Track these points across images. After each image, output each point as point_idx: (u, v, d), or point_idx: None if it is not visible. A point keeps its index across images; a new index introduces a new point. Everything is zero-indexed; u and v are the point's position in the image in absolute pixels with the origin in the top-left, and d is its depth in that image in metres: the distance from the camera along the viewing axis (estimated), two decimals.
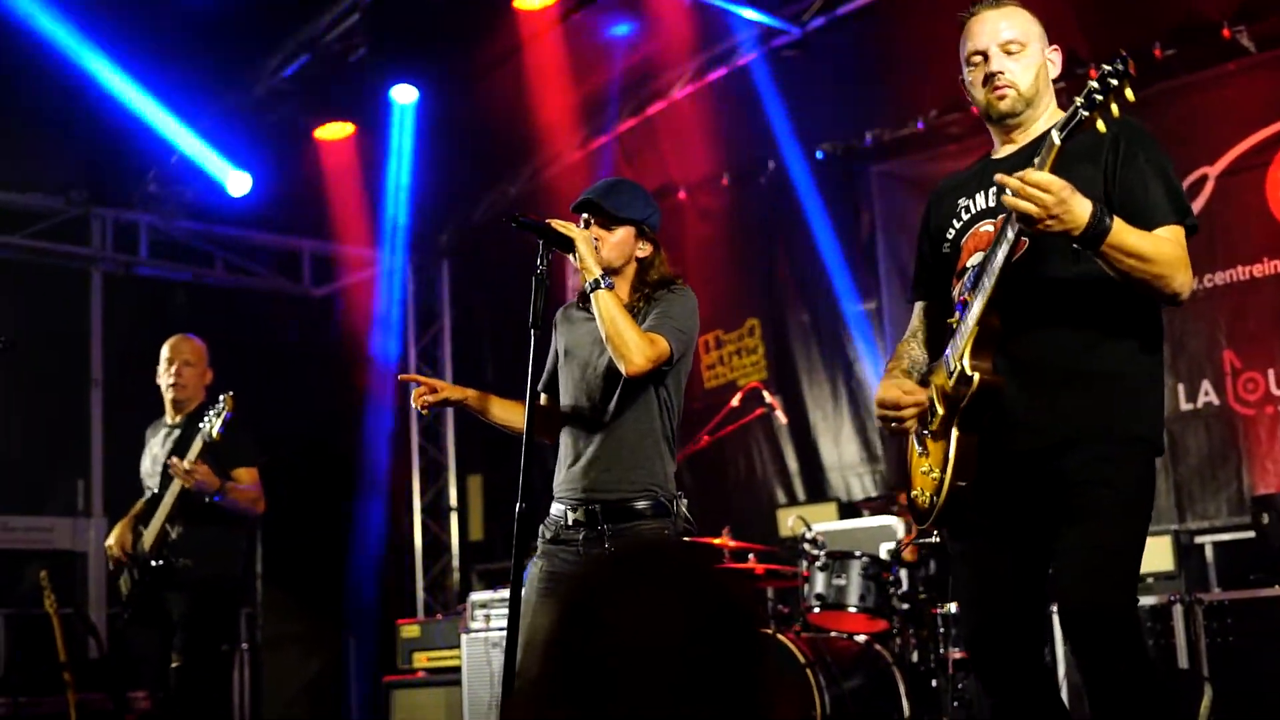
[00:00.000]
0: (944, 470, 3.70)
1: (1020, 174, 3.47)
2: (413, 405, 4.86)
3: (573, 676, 1.56)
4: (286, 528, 9.42)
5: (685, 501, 4.72)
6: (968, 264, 3.83)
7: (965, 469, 3.68)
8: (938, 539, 6.93)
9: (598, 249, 4.74)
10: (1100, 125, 3.46)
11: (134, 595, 7.17)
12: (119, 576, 7.33)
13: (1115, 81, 3.37)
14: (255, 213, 11.37)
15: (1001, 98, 3.85)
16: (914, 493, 3.91)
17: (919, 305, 4.18)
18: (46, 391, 10.75)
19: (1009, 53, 3.84)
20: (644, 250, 4.85)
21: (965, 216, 3.95)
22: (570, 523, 4.66)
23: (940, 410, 3.76)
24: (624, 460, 4.66)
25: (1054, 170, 3.51)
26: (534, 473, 4.61)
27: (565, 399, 4.88)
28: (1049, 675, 3.86)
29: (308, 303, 12.31)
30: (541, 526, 4.77)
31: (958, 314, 3.78)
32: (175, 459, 6.82)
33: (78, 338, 10.91)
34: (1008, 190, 3.47)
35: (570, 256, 4.66)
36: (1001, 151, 3.95)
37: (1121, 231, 3.48)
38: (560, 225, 4.60)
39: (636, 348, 4.53)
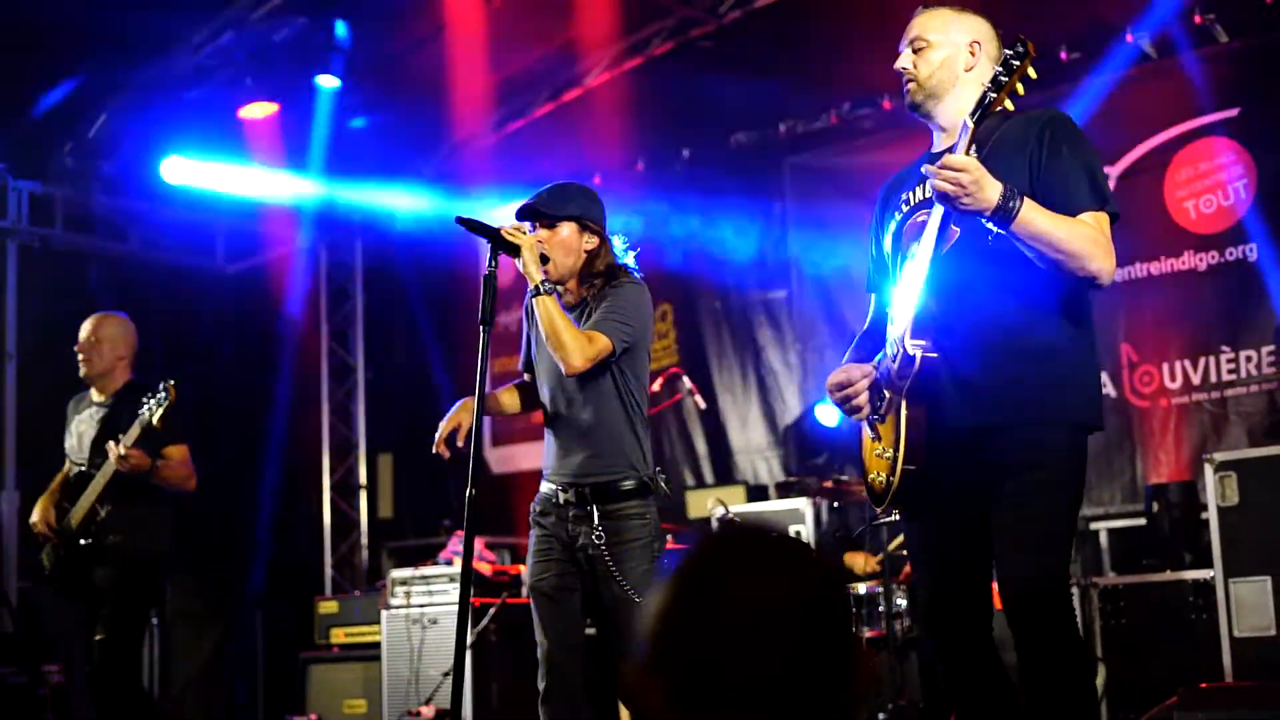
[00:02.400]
0: (896, 449, 3.92)
1: (943, 159, 3.75)
2: (439, 451, 5.09)
3: (690, 645, 1.72)
4: (195, 504, 9.42)
5: (664, 476, 5.12)
6: (908, 253, 4.06)
7: (915, 445, 3.90)
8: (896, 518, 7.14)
9: (544, 252, 5.04)
10: (1008, 104, 3.78)
11: (58, 570, 7.22)
12: (41, 551, 7.38)
13: (1017, 63, 3.70)
14: (171, 188, 11.37)
15: (906, 91, 4.15)
16: (871, 477, 4.13)
17: (872, 297, 4.42)
18: None
19: (916, 50, 4.14)
20: (590, 243, 5.13)
21: (904, 209, 4.19)
22: (561, 501, 5.05)
23: (888, 394, 3.98)
24: (600, 444, 5.00)
25: (986, 160, 3.79)
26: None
27: (541, 387, 5.22)
28: (994, 647, 4.07)
29: (221, 278, 12.34)
30: (533, 504, 5.17)
31: (896, 302, 4.03)
32: (112, 444, 6.88)
33: None
34: (933, 174, 3.76)
35: (515, 261, 4.96)
36: (939, 145, 4.19)
37: (1031, 212, 3.73)
38: (509, 233, 4.90)
39: (574, 349, 4.85)
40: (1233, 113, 8.73)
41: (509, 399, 5.39)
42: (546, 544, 5.08)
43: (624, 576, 4.88)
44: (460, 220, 4.96)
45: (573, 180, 5.37)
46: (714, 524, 7.82)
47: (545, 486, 5.13)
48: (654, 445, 10.48)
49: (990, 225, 3.75)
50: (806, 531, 8.54)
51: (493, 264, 4.86)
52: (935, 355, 3.88)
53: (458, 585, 8.61)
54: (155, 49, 10.14)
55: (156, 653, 10.65)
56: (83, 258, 11.46)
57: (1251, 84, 8.72)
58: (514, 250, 4.92)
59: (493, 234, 4.90)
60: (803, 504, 8.66)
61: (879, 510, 4.13)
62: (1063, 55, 9.14)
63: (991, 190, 3.70)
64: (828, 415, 9.03)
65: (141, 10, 9.40)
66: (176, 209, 11.71)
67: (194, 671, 11.55)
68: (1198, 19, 8.79)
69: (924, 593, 4.16)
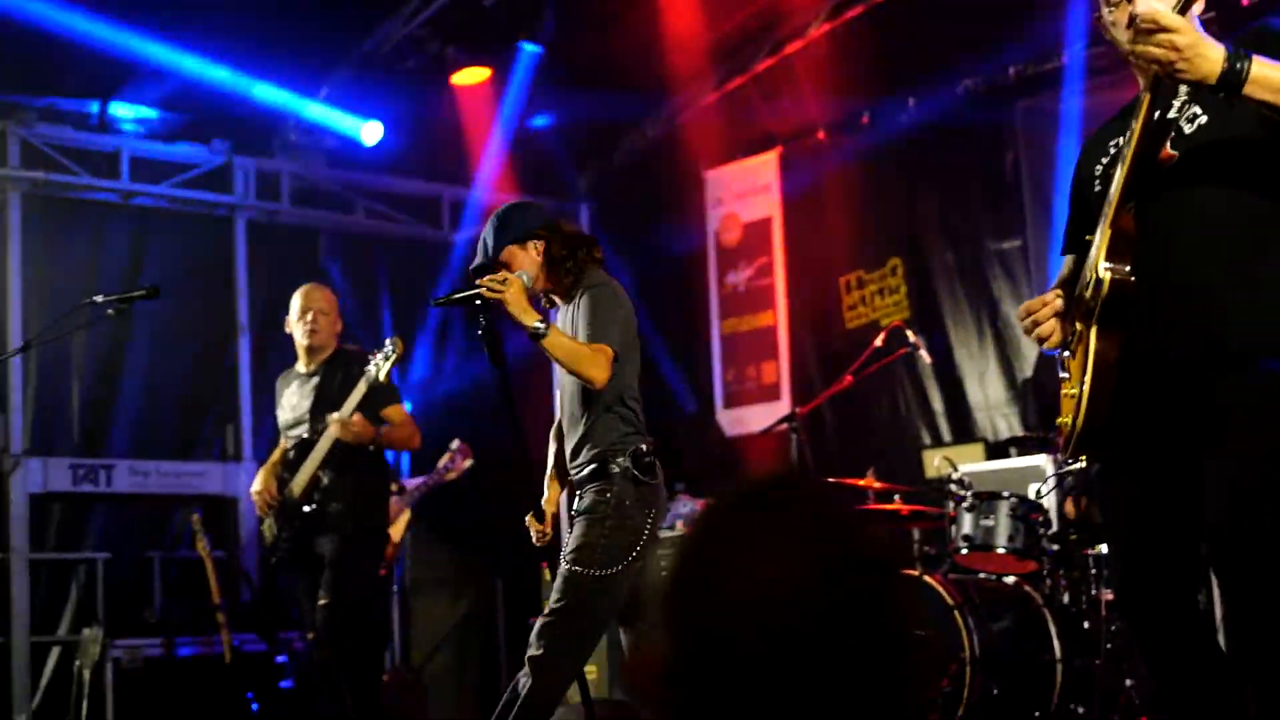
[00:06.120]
0: (1082, 385, 3.51)
1: (1153, 12, 3.31)
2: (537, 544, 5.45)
3: (684, 636, 1.44)
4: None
5: (643, 450, 5.14)
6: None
7: (1103, 384, 3.50)
8: (1083, 464, 6.75)
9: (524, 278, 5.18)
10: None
11: (283, 541, 7.27)
12: (262, 523, 7.44)
13: None
14: (395, 159, 11.43)
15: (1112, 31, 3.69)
16: (1060, 420, 3.72)
17: (1068, 259, 3.99)
18: (195, 339, 10.92)
19: None
20: (538, 248, 5.28)
21: (1113, 150, 3.76)
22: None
23: (1079, 327, 3.58)
24: (578, 439, 5.22)
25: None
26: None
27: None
28: (1203, 619, 3.66)
29: (448, 248, 12.35)
30: None
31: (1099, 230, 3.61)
32: (333, 415, 6.89)
33: (224, 285, 11.05)
34: (1137, 32, 3.32)
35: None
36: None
37: (1264, 69, 3.28)
38: (490, 290, 4.98)
39: (593, 368, 5.00)
40: None
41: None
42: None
43: (569, 544, 5.15)
44: (438, 302, 5.26)
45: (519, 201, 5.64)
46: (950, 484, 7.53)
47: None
48: (889, 403, 10.47)
49: (1217, 93, 3.30)
50: (1048, 489, 8.17)
51: (484, 319, 5.07)
52: (1132, 279, 3.46)
53: None
54: (371, 21, 10.19)
55: (397, 620, 10.72)
56: (309, 231, 11.58)
57: None
58: (500, 304, 5.02)
59: (474, 299, 5.03)
60: (1043, 460, 8.29)
61: (1063, 458, 3.74)
62: None
63: (1213, 53, 3.27)
64: None
65: None
66: (401, 179, 11.76)
67: (437, 638, 11.61)
68: None
69: (1117, 555, 3.74)
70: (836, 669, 1.38)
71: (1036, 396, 9.92)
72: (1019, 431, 9.85)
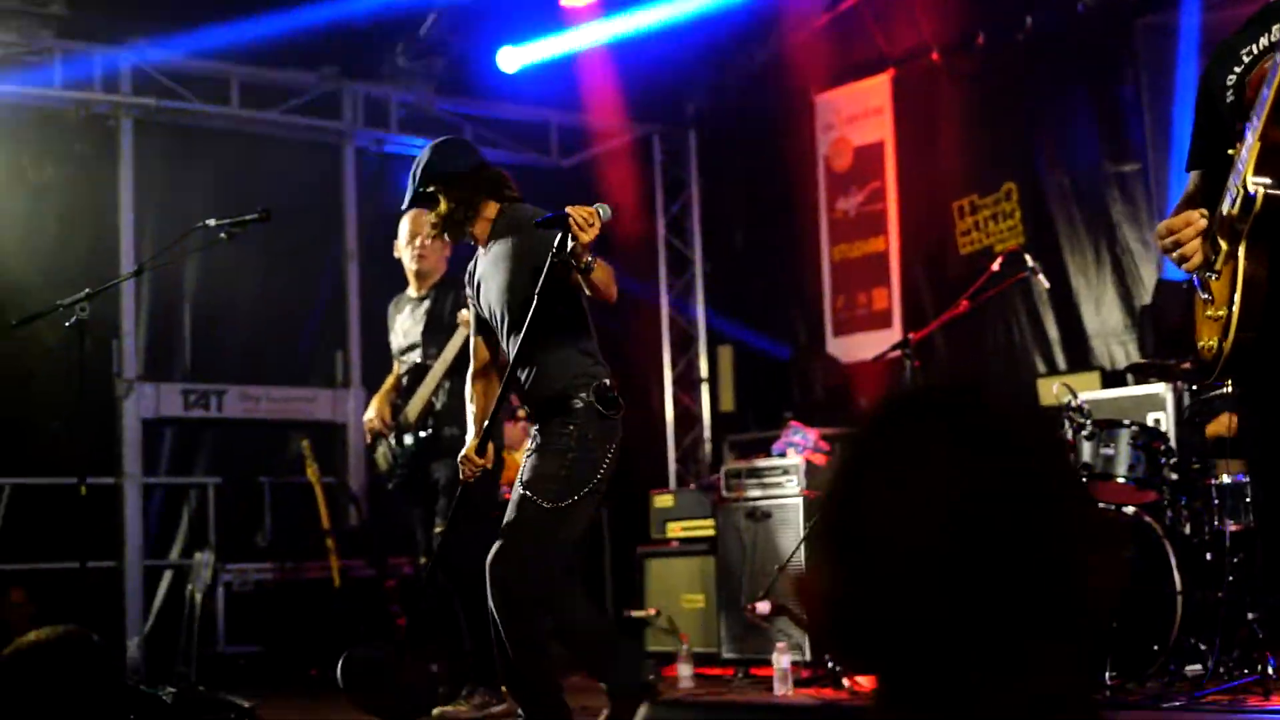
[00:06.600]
0: (1230, 306, 3.36)
1: None
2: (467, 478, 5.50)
3: (843, 556, 1.33)
4: None
5: (606, 384, 5.33)
6: (1256, 99, 3.50)
7: (1253, 304, 3.34)
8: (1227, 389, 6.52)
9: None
10: None
11: (398, 468, 7.28)
12: (374, 450, 7.45)
13: None
14: (502, 85, 11.33)
15: None
16: (1201, 344, 3.57)
17: (1194, 175, 3.82)
18: (304, 264, 10.96)
19: None
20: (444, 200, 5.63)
21: (1247, 59, 3.61)
22: None
23: (1224, 245, 3.41)
24: (536, 373, 5.33)
25: None
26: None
27: (502, 336, 5.58)
28: None
29: (557, 175, 12.28)
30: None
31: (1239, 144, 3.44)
32: (463, 313, 6.87)
33: (333, 211, 11.07)
34: None
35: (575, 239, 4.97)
36: None
37: None
38: (578, 224, 4.87)
39: (614, 286, 5.26)
40: None
41: (486, 386, 5.72)
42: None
43: (524, 474, 5.27)
44: (540, 225, 5.15)
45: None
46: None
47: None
48: (1003, 330, 10.30)
49: None
50: (1166, 418, 7.98)
51: (561, 246, 4.96)
52: None
53: (791, 477, 8.46)
54: None
55: None
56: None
57: None
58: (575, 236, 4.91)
59: (564, 224, 4.92)
60: (1161, 388, 8.09)
61: (1204, 382, 3.55)
62: None
63: None
64: None
65: None
66: (508, 105, 11.68)
67: None
68: None
69: (1261, 484, 3.58)
70: (1007, 584, 1.27)
71: (1155, 323, 9.70)
72: (1136, 359, 9.64)
